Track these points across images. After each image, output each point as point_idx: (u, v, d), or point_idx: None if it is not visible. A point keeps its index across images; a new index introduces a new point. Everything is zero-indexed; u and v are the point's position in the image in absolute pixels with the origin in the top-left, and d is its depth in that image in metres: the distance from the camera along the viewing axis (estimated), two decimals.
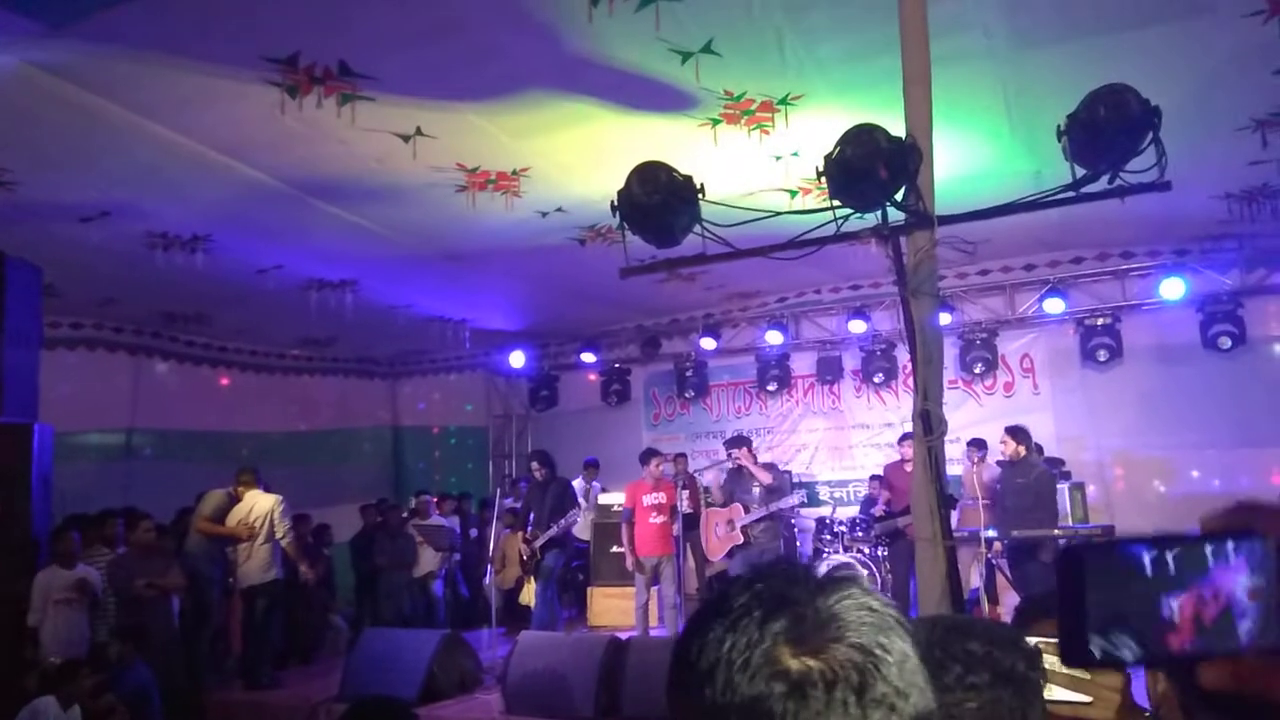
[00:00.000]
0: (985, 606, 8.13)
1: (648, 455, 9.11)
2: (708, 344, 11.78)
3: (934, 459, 3.49)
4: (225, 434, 11.96)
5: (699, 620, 0.84)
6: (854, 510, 10.70)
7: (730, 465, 8.90)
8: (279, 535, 8.19)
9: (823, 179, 3.58)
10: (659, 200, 3.64)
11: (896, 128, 3.61)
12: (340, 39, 5.21)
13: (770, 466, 8.85)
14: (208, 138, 6.27)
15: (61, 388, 9.58)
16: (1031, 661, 1.18)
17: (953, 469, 7.38)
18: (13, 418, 6.99)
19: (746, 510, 8.41)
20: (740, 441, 8.76)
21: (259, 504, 8.23)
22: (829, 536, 10.17)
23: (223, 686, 8.25)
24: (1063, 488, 8.36)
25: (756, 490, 8.42)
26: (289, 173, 6.93)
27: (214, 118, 6.00)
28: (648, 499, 8.72)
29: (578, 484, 10.49)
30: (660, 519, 8.67)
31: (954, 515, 7.70)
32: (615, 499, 11.16)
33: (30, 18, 4.77)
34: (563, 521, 8.66)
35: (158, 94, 5.65)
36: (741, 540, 8.38)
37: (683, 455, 11.77)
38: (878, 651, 0.77)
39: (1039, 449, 8.69)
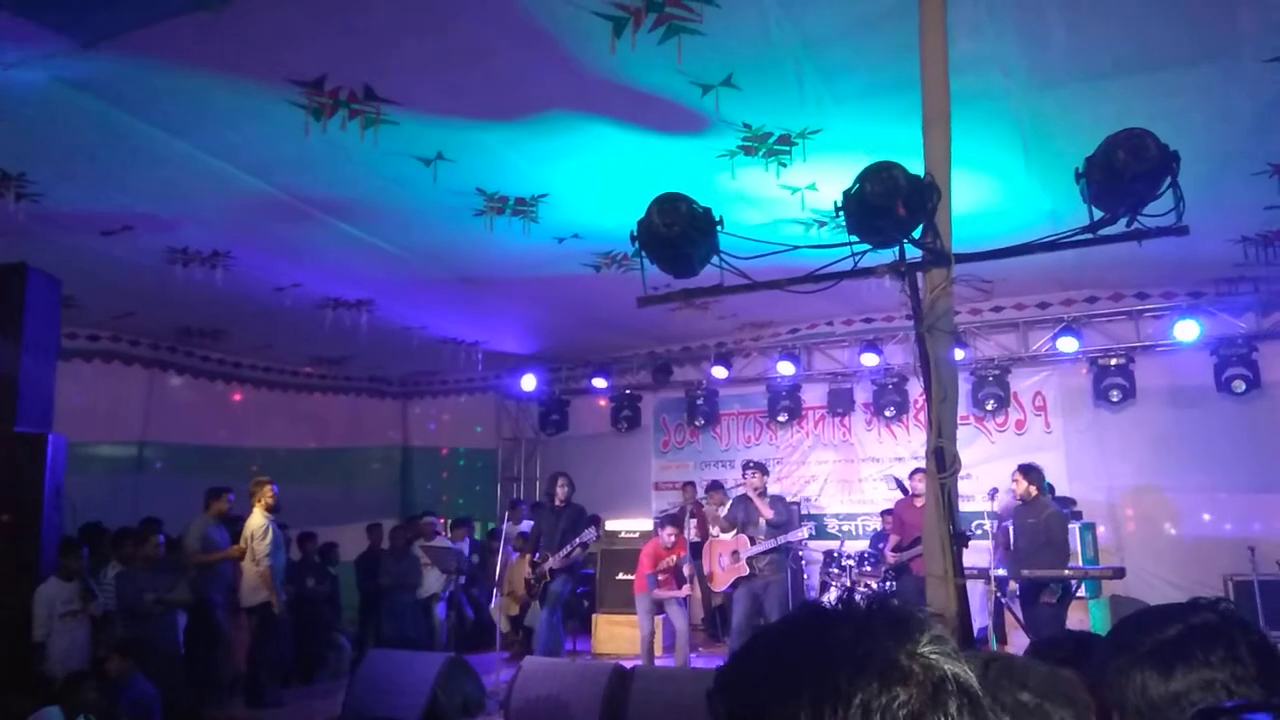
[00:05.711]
0: (993, 645, 8.06)
1: (661, 523, 9.16)
2: (719, 372, 11.79)
3: (947, 496, 3.48)
4: (236, 449, 12.00)
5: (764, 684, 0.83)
6: (863, 544, 10.66)
7: (738, 492, 8.92)
8: (255, 559, 8.09)
9: (841, 214, 3.61)
10: (678, 231, 3.66)
11: (913, 163, 3.64)
12: (367, 63, 5.28)
13: (778, 499, 8.82)
14: (232, 156, 6.34)
15: (75, 399, 9.63)
16: (1081, 717, 1.17)
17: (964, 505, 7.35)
18: (28, 427, 7.04)
19: (752, 542, 8.39)
20: (759, 467, 8.76)
21: (249, 525, 8.22)
22: (836, 570, 10.12)
23: (225, 704, 8.23)
24: (1074, 528, 8.32)
25: (763, 522, 8.40)
26: (311, 193, 7.00)
27: (239, 137, 6.07)
28: (661, 564, 8.82)
29: None
30: (665, 577, 8.80)
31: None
32: (622, 525, 11.18)
33: (62, 35, 4.85)
34: (577, 542, 8.65)
35: (184, 112, 5.72)
36: (746, 572, 8.35)
37: (691, 484, 11.78)
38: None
39: (1050, 489, 8.65)
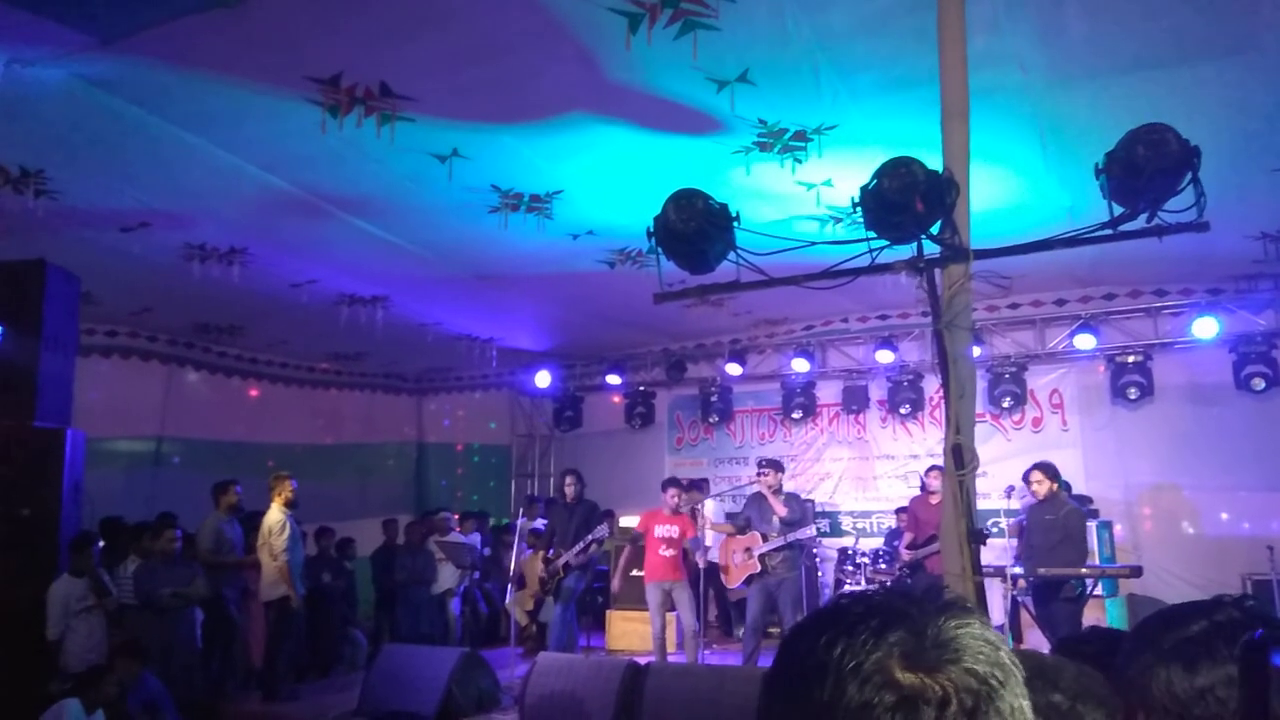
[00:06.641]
0: (1009, 643, 8.02)
1: (665, 485, 9.09)
2: (733, 369, 11.77)
3: (964, 493, 3.47)
4: (252, 445, 12.07)
5: (811, 623, 0.85)
6: (877, 541, 10.62)
7: (753, 489, 8.89)
8: (273, 554, 8.06)
9: (857, 209, 3.60)
10: (695, 227, 3.66)
11: (928, 159, 3.62)
12: (383, 60, 5.30)
13: (793, 496, 8.78)
14: (249, 153, 6.37)
15: (93, 394, 9.70)
16: (1113, 719, 1.16)
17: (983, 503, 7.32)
18: (47, 423, 7.10)
19: (765, 539, 8.37)
20: (775, 465, 8.71)
21: (266, 520, 8.25)
22: (851, 567, 10.10)
23: (241, 698, 8.28)
24: (1091, 526, 8.27)
25: (776, 520, 8.38)
26: (327, 190, 7.03)
27: (256, 134, 6.10)
28: (660, 530, 8.71)
29: None
30: (670, 552, 8.66)
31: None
32: (635, 522, 11.15)
33: (81, 32, 4.88)
34: (590, 538, 8.64)
35: (202, 109, 5.75)
36: (759, 569, 8.33)
37: (705, 481, 11.77)
38: (993, 683, 0.77)
39: (1067, 486, 8.61)
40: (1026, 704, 0.79)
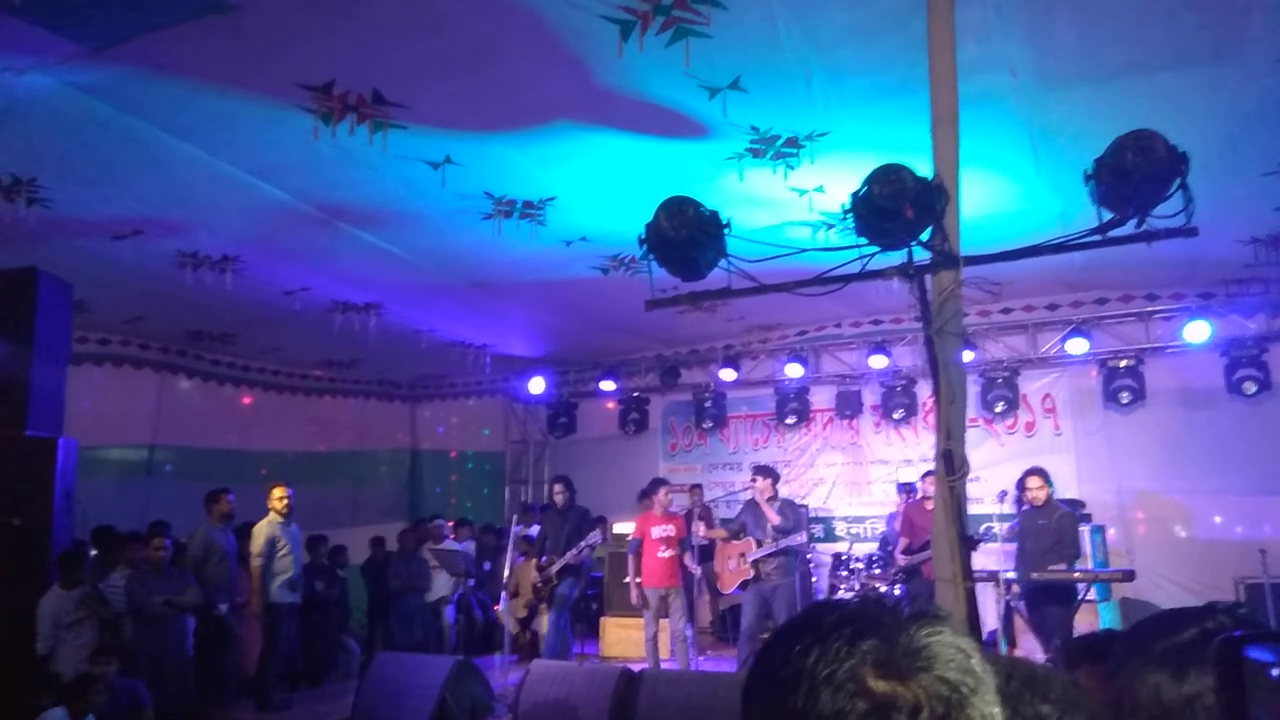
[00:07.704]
0: (1003, 648, 8.02)
1: (655, 485, 9.05)
2: (727, 375, 11.77)
3: (956, 499, 3.48)
4: (245, 453, 12.04)
5: (786, 632, 0.86)
6: (871, 546, 10.62)
7: (748, 495, 8.88)
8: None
9: (849, 216, 3.61)
10: (686, 235, 3.67)
11: (920, 164, 3.64)
12: (375, 67, 5.30)
13: (788, 503, 8.77)
14: (241, 161, 6.37)
15: (86, 402, 9.67)
16: None
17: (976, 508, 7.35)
18: (39, 431, 7.07)
19: (758, 545, 8.37)
20: (767, 472, 8.69)
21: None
22: (845, 573, 10.10)
23: (233, 707, 8.24)
24: (1084, 530, 8.29)
25: (769, 527, 8.38)
26: (320, 197, 7.02)
27: (248, 141, 6.10)
28: (656, 531, 8.67)
29: None
30: (669, 552, 8.60)
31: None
32: (629, 528, 11.15)
33: (73, 40, 4.88)
34: (582, 544, 8.62)
35: (194, 117, 5.75)
36: (752, 574, 8.33)
37: (698, 486, 11.76)
38: (964, 690, 0.78)
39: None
40: (998, 711, 0.80)
